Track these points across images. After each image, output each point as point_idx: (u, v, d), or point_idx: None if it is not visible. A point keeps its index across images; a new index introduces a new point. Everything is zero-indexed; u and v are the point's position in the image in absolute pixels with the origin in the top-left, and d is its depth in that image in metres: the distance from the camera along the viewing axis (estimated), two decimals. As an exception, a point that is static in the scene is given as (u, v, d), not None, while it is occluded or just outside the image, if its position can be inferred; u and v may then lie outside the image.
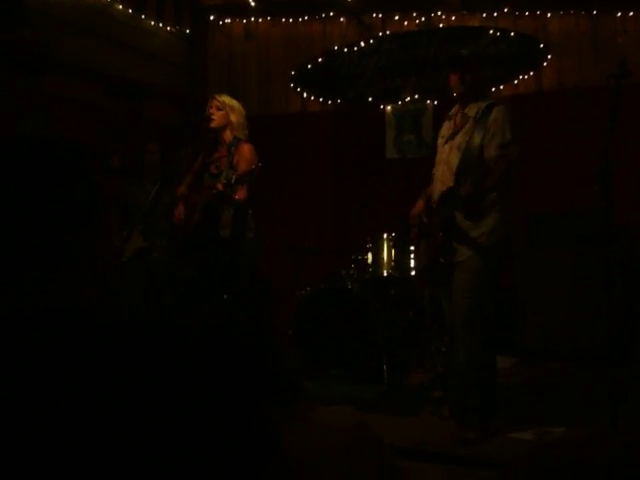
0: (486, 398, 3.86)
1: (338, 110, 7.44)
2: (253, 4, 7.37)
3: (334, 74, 7.30)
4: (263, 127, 5.90)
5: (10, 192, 1.20)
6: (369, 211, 7.17)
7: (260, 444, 1.22)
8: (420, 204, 4.23)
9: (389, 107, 7.22)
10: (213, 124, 4.65)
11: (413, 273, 5.64)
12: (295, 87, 7.49)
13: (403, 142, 7.16)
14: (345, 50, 7.25)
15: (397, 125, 7.20)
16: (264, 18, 7.65)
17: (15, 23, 5.32)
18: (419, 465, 3.50)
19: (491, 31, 6.70)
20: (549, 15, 6.64)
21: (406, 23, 7.16)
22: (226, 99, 4.73)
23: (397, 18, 7.17)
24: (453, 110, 4.16)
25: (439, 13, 7.00)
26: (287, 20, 7.55)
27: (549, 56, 6.62)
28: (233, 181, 4.22)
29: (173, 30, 7.38)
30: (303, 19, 7.49)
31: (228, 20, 7.80)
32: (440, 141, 4.17)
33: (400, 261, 5.70)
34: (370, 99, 7.25)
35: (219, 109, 4.67)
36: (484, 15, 6.84)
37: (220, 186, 4.28)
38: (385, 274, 5.69)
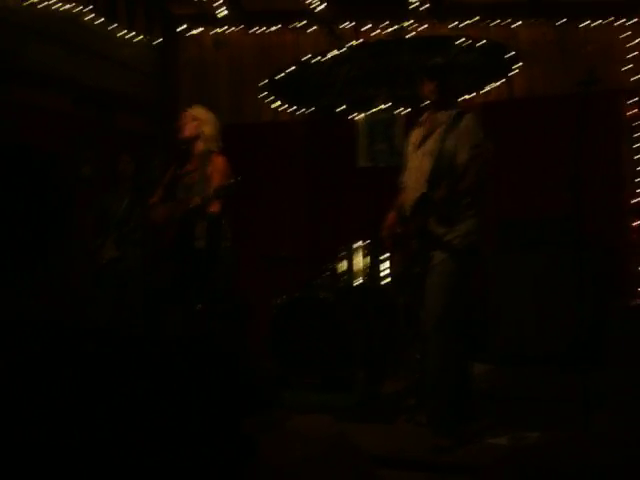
0: (461, 404, 3.87)
1: (310, 119, 7.44)
2: (224, 14, 7.36)
3: (306, 83, 7.31)
4: (235, 136, 5.89)
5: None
6: (342, 220, 7.17)
7: (236, 453, 1.21)
8: (392, 216, 4.24)
9: (361, 116, 7.24)
10: (185, 135, 4.64)
11: (386, 281, 5.64)
12: (267, 96, 7.49)
13: (375, 151, 7.18)
14: (317, 59, 7.27)
15: (369, 134, 7.22)
16: (236, 28, 7.64)
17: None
18: (396, 473, 3.50)
19: (461, 40, 6.76)
20: (518, 24, 6.71)
21: (377, 32, 7.19)
22: (199, 110, 4.73)
23: (368, 27, 7.20)
24: (423, 117, 4.19)
25: (410, 22, 7.04)
26: (258, 30, 7.55)
27: (519, 64, 6.69)
28: (212, 195, 4.22)
29: (144, 39, 7.34)
30: (274, 29, 7.49)
31: (199, 30, 7.78)
32: (410, 148, 4.19)
33: (373, 269, 5.71)
34: (342, 108, 7.27)
35: (191, 120, 4.67)
36: (454, 24, 6.89)
37: (198, 200, 4.27)
38: (359, 283, 5.69)
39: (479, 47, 6.72)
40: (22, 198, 1.21)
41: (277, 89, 7.44)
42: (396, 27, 7.09)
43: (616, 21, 6.41)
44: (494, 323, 5.98)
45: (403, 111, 7.02)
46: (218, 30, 7.69)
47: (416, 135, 4.18)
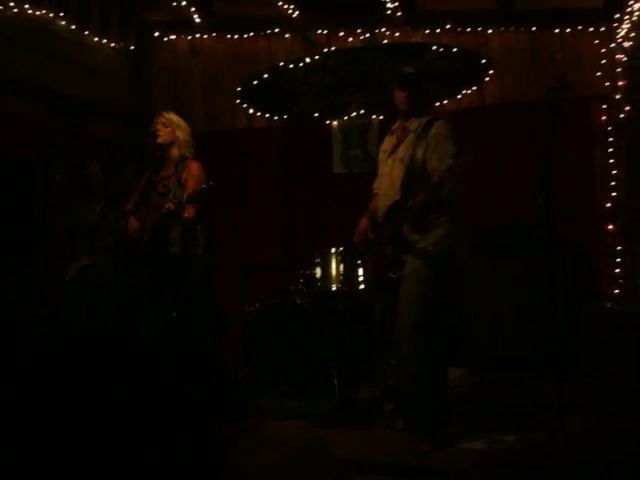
0: (437, 409, 3.88)
1: (285, 126, 7.45)
2: (198, 20, 7.36)
3: (280, 90, 7.33)
4: (209, 143, 5.87)
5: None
6: (317, 226, 7.18)
7: (210, 458, 1.20)
8: (364, 221, 4.25)
9: (335, 122, 7.26)
10: (159, 140, 4.63)
11: (362, 287, 5.65)
12: (241, 103, 7.49)
13: (350, 157, 7.20)
14: (291, 66, 7.29)
15: (343, 140, 7.24)
16: (209, 34, 7.64)
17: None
18: (371, 478, 3.50)
19: (434, 47, 6.82)
20: (490, 31, 6.78)
21: (351, 39, 7.23)
22: (172, 116, 4.72)
23: (342, 34, 7.24)
24: (395, 125, 4.22)
25: (383, 29, 7.09)
26: (232, 36, 7.55)
27: (491, 71, 6.76)
28: (184, 200, 4.21)
29: (117, 46, 7.31)
30: (248, 35, 7.50)
31: (173, 36, 7.77)
32: (382, 156, 4.21)
33: (349, 275, 5.71)
34: (316, 115, 7.28)
35: (165, 126, 4.66)
36: (427, 31, 6.95)
37: (172, 205, 4.26)
38: (334, 288, 5.69)
39: (452, 54, 6.78)
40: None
41: (251, 96, 7.45)
42: (368, 35, 7.14)
43: (586, 29, 6.50)
44: (468, 328, 6.01)
45: (377, 117, 7.05)
46: (191, 37, 7.68)
47: (388, 143, 4.21)
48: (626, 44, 6.12)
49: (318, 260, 5.77)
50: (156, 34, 7.77)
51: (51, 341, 1.19)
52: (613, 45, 6.37)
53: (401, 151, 4.02)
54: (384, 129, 4.44)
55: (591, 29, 6.49)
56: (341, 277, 5.69)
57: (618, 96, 6.29)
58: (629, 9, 5.77)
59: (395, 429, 4.19)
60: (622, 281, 6.25)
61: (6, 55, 5.78)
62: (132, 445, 1.10)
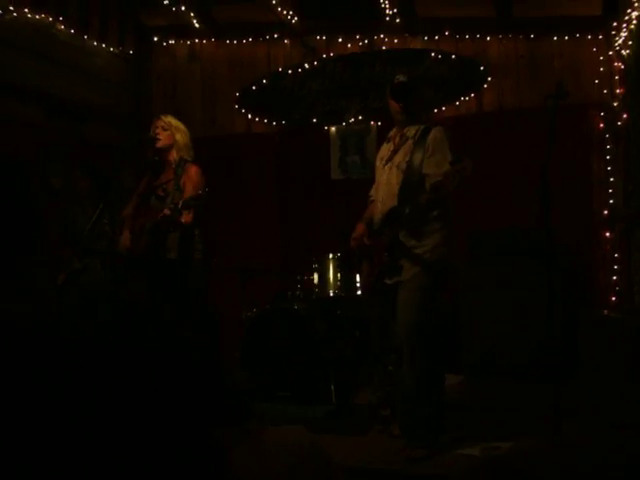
0: (434, 416, 3.88)
1: (283, 131, 7.46)
2: (197, 26, 7.37)
3: (279, 95, 7.34)
4: (208, 148, 5.88)
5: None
6: (315, 232, 7.18)
7: (206, 464, 1.21)
8: (360, 227, 4.26)
9: (333, 128, 7.27)
10: (159, 144, 4.62)
11: (359, 293, 5.65)
12: (240, 108, 7.50)
13: (348, 163, 7.21)
14: (289, 72, 7.31)
15: (342, 146, 7.25)
16: (208, 40, 7.66)
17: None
18: (368, 484, 3.50)
19: (433, 54, 6.84)
20: (488, 39, 6.80)
21: (349, 45, 7.24)
22: (171, 119, 4.71)
23: (340, 40, 7.26)
24: (391, 132, 4.23)
25: (382, 36, 7.11)
26: (231, 42, 7.57)
27: (489, 78, 6.78)
28: (180, 206, 4.21)
29: (116, 51, 7.32)
30: (247, 41, 7.51)
31: (172, 41, 7.79)
32: (378, 163, 4.22)
33: (346, 281, 5.71)
34: (315, 120, 7.30)
35: (164, 129, 4.65)
36: (426, 38, 6.96)
37: (167, 211, 4.26)
38: (331, 294, 5.69)
39: (450, 61, 6.80)
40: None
41: (250, 101, 7.47)
42: (366, 41, 7.16)
43: (584, 36, 6.52)
44: (465, 334, 6.01)
45: (375, 123, 7.06)
46: (189, 42, 7.70)
47: (385, 150, 4.21)
48: (624, 52, 6.14)
49: (315, 266, 5.77)
50: (155, 39, 7.78)
51: (43, 344, 1.19)
52: (611, 53, 6.39)
53: (398, 158, 4.02)
54: (382, 135, 4.45)
55: (589, 37, 6.51)
56: (338, 283, 5.69)
57: (616, 104, 6.30)
58: (627, 17, 5.78)
59: (391, 435, 4.18)
60: (619, 288, 6.25)
61: (5, 59, 5.78)
62: (126, 450, 1.10)
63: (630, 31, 5.88)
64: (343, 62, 7.19)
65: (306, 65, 7.26)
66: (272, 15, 6.95)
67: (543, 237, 3.91)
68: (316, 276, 5.76)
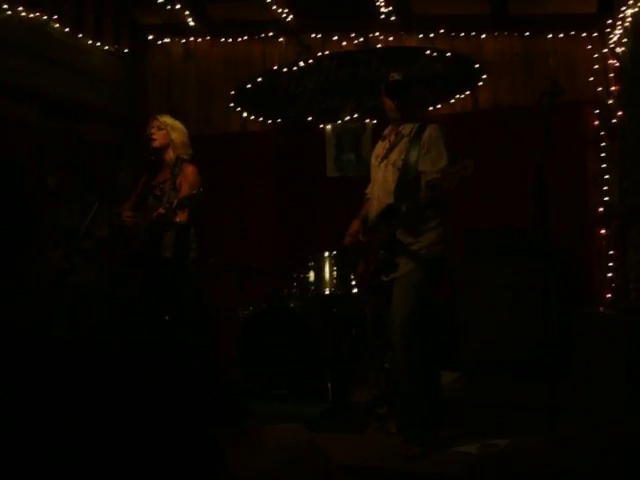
0: (430, 413, 3.89)
1: (279, 129, 7.46)
2: (192, 24, 7.36)
3: (274, 94, 7.34)
4: (203, 147, 5.85)
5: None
6: (311, 230, 7.18)
7: (203, 463, 1.21)
8: (356, 224, 4.27)
9: (329, 126, 7.27)
10: (155, 144, 4.65)
11: (355, 290, 5.66)
12: (235, 107, 7.50)
13: (343, 161, 7.21)
14: (285, 70, 7.31)
15: (337, 144, 7.25)
16: (203, 38, 7.64)
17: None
18: (365, 482, 3.51)
19: (428, 51, 6.84)
20: (484, 36, 6.80)
21: (345, 43, 7.24)
22: (167, 119, 4.73)
23: (336, 38, 7.26)
24: (387, 130, 4.23)
25: (377, 33, 7.10)
26: (226, 40, 7.56)
27: (484, 76, 6.78)
28: (174, 205, 4.23)
29: (111, 49, 7.31)
30: (242, 39, 7.51)
31: (167, 40, 7.77)
32: (374, 161, 4.23)
33: (342, 279, 5.71)
34: (310, 118, 7.29)
35: (160, 129, 4.67)
36: (421, 36, 6.96)
37: (162, 210, 4.28)
38: (327, 292, 5.69)
39: (445, 59, 6.81)
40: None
41: (245, 100, 7.46)
42: (362, 39, 7.16)
43: (579, 34, 6.53)
44: (462, 332, 6.02)
45: (371, 121, 7.06)
46: (185, 41, 7.69)
47: (380, 148, 4.22)
48: (618, 49, 6.15)
49: (311, 264, 5.78)
50: (150, 37, 7.77)
51: (42, 344, 1.19)
52: (606, 50, 6.40)
53: (394, 156, 4.03)
54: (377, 133, 4.45)
55: (584, 34, 6.52)
56: (334, 281, 5.70)
57: (610, 101, 6.31)
58: (621, 15, 5.79)
59: (388, 433, 4.19)
60: (614, 285, 6.26)
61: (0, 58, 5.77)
62: (123, 450, 1.11)
63: (625, 29, 5.89)
64: (338, 60, 7.19)
65: (301, 63, 7.25)
66: (267, 13, 6.95)
67: (539, 236, 3.92)
68: (312, 274, 5.77)
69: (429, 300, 3.94)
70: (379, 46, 7.12)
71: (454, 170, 3.48)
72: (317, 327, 5.40)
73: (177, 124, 4.75)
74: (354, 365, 5.65)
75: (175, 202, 4.26)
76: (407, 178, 3.90)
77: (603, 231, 6.35)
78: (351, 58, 7.16)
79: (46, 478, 1.06)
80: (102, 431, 1.11)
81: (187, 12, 7.18)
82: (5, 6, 5.79)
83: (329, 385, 5.22)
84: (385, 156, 4.10)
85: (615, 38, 6.17)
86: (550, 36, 6.61)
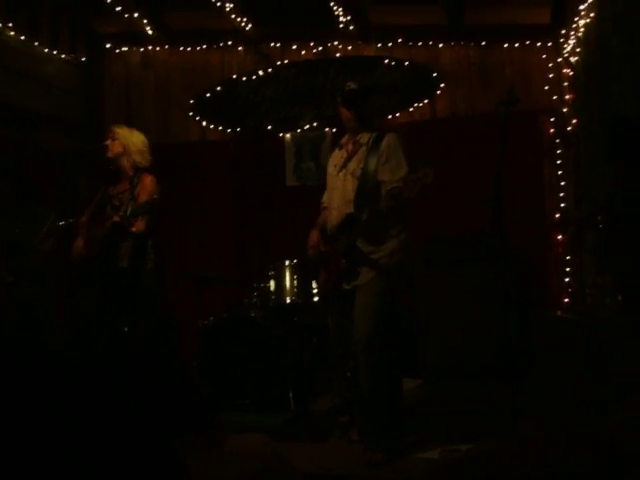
0: (392, 420, 3.91)
1: (238, 138, 7.44)
2: (150, 33, 7.31)
3: (233, 103, 7.32)
4: (162, 156, 5.82)
5: None
6: (270, 238, 7.17)
7: (164, 474, 1.20)
8: (315, 234, 4.27)
9: (288, 135, 7.27)
10: (109, 154, 4.66)
11: (316, 299, 5.66)
12: (194, 116, 7.46)
13: (303, 169, 7.22)
14: (243, 79, 7.30)
15: (297, 153, 7.26)
16: (161, 47, 7.60)
17: None
18: (328, 490, 3.50)
19: (386, 61, 6.90)
20: (441, 46, 6.88)
21: (303, 52, 7.26)
22: (120, 129, 4.74)
23: (294, 47, 7.27)
24: (344, 139, 4.25)
25: (336, 43, 7.14)
26: (185, 49, 7.53)
27: (442, 85, 6.85)
28: (128, 213, 4.21)
29: (68, 58, 7.22)
30: (201, 48, 7.48)
31: (125, 48, 7.71)
32: (331, 170, 4.23)
33: (303, 287, 5.71)
34: (269, 127, 7.29)
35: (113, 139, 4.68)
36: (379, 45, 7.02)
37: (117, 218, 4.26)
38: (288, 301, 5.68)
39: (403, 68, 6.87)
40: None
41: (204, 109, 7.43)
42: (320, 49, 7.18)
43: (534, 44, 6.64)
44: (422, 339, 6.06)
45: (330, 130, 7.09)
46: (143, 49, 7.64)
47: (337, 157, 4.23)
48: (572, 59, 6.27)
49: (272, 273, 5.76)
50: (108, 45, 7.69)
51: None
52: (560, 60, 6.51)
53: (353, 165, 4.04)
54: (337, 142, 4.47)
55: (539, 44, 6.63)
56: (295, 290, 5.69)
57: (565, 109, 6.43)
58: (575, 25, 5.91)
59: (350, 440, 4.19)
60: (571, 290, 6.37)
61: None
62: (82, 462, 1.09)
63: (578, 39, 6.01)
64: (297, 69, 7.20)
65: (260, 72, 7.25)
66: (226, 22, 6.94)
67: (496, 242, 3.97)
68: (272, 283, 5.75)
69: (391, 307, 3.96)
70: (338, 55, 7.16)
71: (415, 178, 3.50)
72: (278, 336, 5.39)
73: (133, 133, 4.74)
74: (316, 374, 5.65)
75: (129, 210, 4.25)
76: (366, 187, 3.92)
77: (560, 237, 6.46)
78: (310, 67, 7.18)
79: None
80: (56, 444, 1.09)
81: (145, 21, 7.14)
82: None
83: (291, 394, 5.21)
84: (343, 165, 4.11)
85: (569, 48, 6.29)
86: (506, 46, 6.71)
